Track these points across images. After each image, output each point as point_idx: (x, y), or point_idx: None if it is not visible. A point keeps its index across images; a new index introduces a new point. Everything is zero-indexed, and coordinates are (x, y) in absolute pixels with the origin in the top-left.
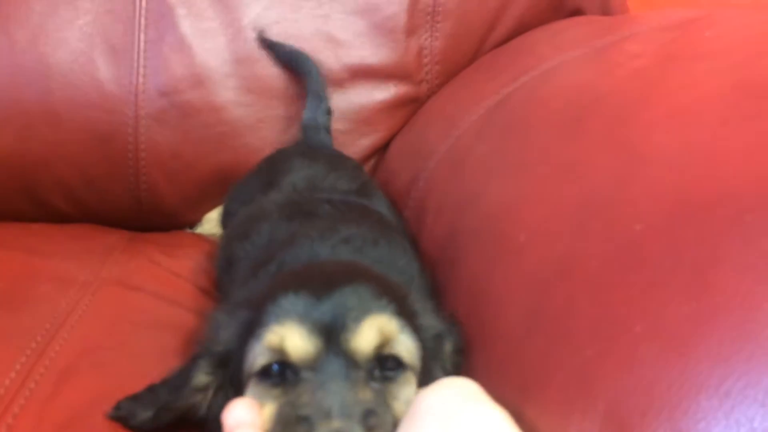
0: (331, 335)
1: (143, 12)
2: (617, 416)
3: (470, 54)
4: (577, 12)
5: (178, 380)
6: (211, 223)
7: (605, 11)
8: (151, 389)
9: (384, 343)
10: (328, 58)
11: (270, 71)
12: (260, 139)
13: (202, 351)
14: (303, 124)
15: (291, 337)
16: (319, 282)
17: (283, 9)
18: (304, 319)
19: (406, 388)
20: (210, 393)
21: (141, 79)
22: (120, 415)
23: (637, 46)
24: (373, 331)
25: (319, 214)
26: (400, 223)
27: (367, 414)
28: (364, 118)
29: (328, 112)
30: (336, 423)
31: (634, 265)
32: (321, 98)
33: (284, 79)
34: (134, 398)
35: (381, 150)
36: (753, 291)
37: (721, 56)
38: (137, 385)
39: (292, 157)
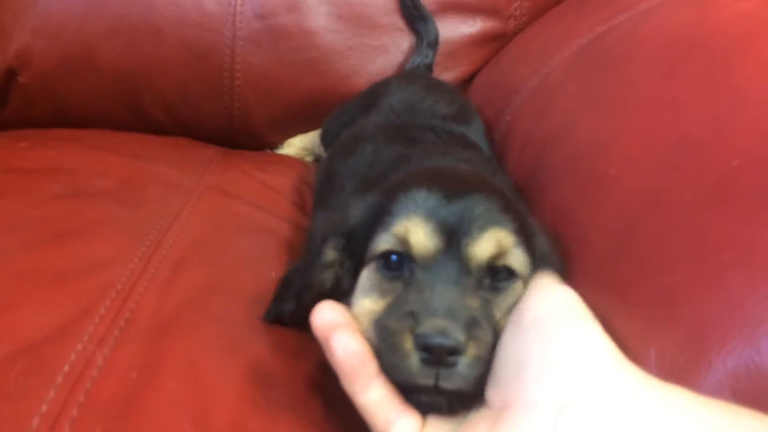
0: (452, 238)
1: None
2: (698, 334)
3: None
4: None
5: (309, 261)
6: (292, 147)
7: None
8: (284, 282)
9: (499, 254)
10: None
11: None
12: (348, 66)
13: (332, 230)
14: (405, 69)
15: (415, 231)
16: (451, 183)
17: None
18: (430, 216)
19: (510, 299)
20: (336, 269)
21: (239, 1)
22: (272, 317)
23: None
24: (492, 242)
25: (423, 140)
26: (491, 152)
27: (471, 321)
28: (450, 52)
29: (430, 68)
30: (440, 322)
31: (728, 198)
32: (428, 56)
33: (375, 8)
34: (275, 298)
35: (463, 84)
36: None
37: None
38: (241, 278)
39: (390, 80)
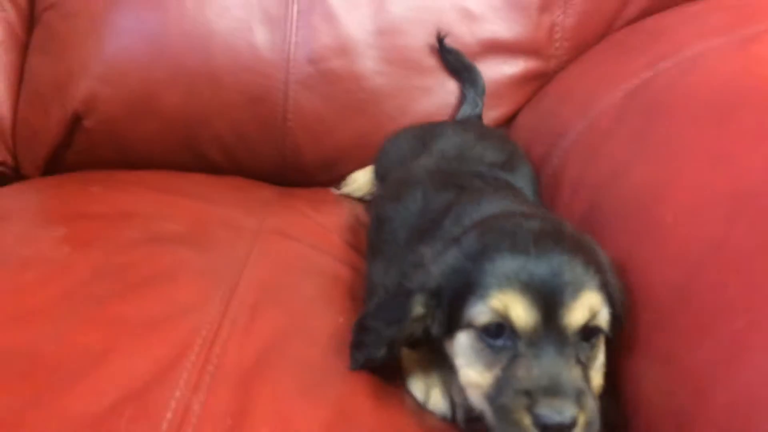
0: (549, 308)
1: None
2: (761, 382)
3: (600, 32)
4: None
5: (395, 314)
6: (357, 183)
7: None
8: (360, 329)
9: (591, 318)
10: (463, 31)
11: (408, 43)
12: (397, 107)
13: (415, 286)
14: (456, 119)
15: (514, 306)
16: (529, 240)
17: None
18: (526, 289)
19: (599, 354)
20: (427, 320)
21: (292, 47)
22: (359, 365)
23: None
24: (587, 308)
25: (470, 186)
26: (537, 197)
27: (579, 393)
28: (493, 92)
29: (480, 116)
30: (556, 402)
31: None
32: (478, 105)
33: (420, 52)
34: (357, 345)
35: (506, 123)
36: None
37: None
38: (313, 322)
39: (445, 124)
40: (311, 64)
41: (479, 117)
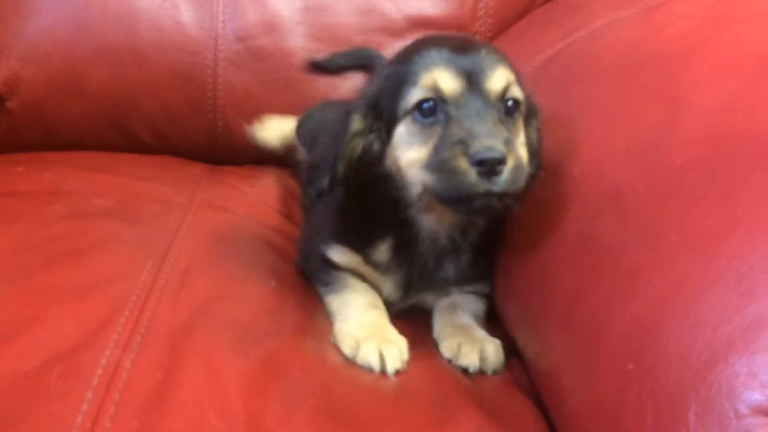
0: (471, 78)
1: None
2: (652, 310)
3: (522, 8)
4: None
5: (337, 131)
6: (269, 130)
7: None
8: (315, 166)
9: (508, 87)
10: (389, 8)
11: (336, 20)
12: (326, 83)
13: (353, 105)
14: None
15: (442, 76)
16: (452, 40)
17: None
18: (450, 64)
19: (520, 131)
20: (365, 136)
21: (220, 25)
22: (313, 197)
23: (684, 7)
24: (503, 77)
25: None
26: None
27: (506, 140)
28: None
29: None
30: (487, 141)
31: (674, 190)
32: None
33: (348, 29)
34: (309, 182)
35: None
36: None
37: (763, 17)
38: (245, 287)
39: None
40: (239, 42)
41: None
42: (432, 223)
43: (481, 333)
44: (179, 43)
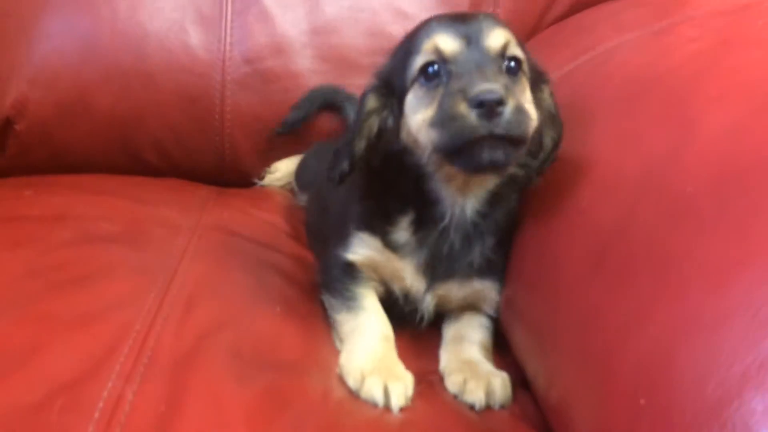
0: (471, 38)
1: None
2: (665, 343)
3: (530, 29)
4: None
5: (354, 121)
6: (280, 171)
7: None
8: (338, 152)
9: (507, 44)
10: (397, 30)
11: (343, 42)
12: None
13: (368, 87)
14: None
15: (442, 39)
16: (456, 14)
17: None
18: (449, 28)
19: (525, 88)
20: (380, 114)
21: (228, 47)
22: (337, 181)
23: (693, 31)
24: (501, 35)
25: None
26: None
27: (506, 87)
28: None
29: None
30: (485, 84)
31: (685, 218)
32: None
33: (356, 51)
34: (333, 166)
35: None
36: None
37: None
38: (250, 313)
39: None
40: (247, 64)
41: None
42: (453, 195)
43: (487, 367)
44: (187, 65)
